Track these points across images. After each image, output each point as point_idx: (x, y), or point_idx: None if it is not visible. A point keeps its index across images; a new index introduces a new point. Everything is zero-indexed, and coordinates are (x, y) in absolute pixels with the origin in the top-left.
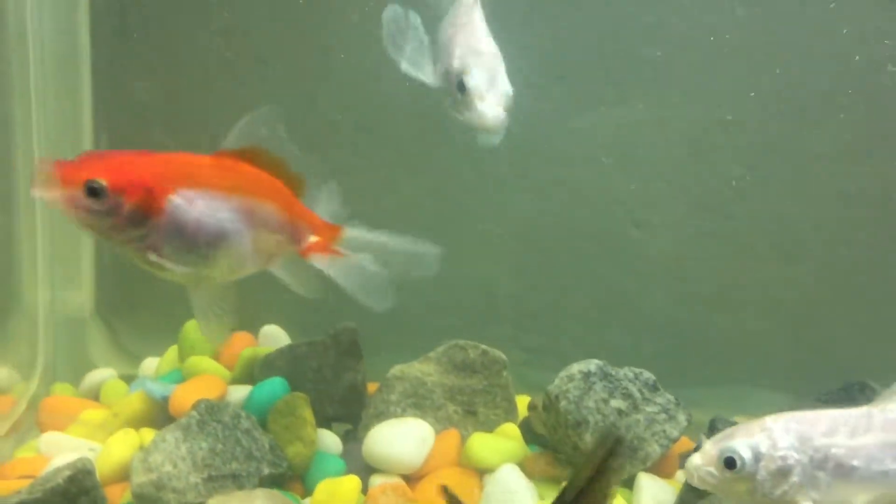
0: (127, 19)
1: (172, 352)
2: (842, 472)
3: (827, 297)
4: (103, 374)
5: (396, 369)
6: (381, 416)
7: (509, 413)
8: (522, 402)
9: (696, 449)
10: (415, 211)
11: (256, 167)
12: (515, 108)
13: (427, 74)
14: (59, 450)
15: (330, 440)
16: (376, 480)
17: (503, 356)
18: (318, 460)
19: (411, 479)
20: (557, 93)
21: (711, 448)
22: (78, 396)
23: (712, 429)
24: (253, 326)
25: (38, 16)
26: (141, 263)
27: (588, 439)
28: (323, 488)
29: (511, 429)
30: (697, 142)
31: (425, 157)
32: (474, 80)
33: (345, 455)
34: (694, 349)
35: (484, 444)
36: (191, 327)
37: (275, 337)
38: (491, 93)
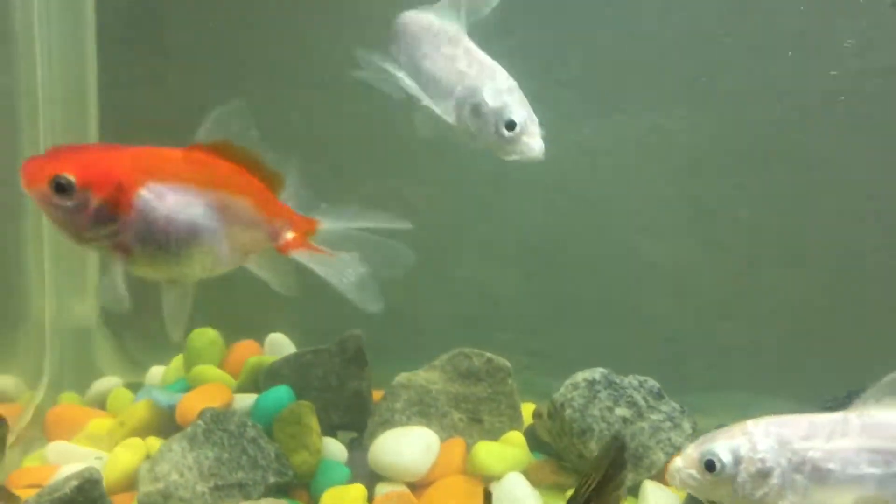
0: (133, 26)
1: (178, 360)
2: (818, 475)
3: (831, 304)
4: (110, 383)
5: (401, 377)
6: (387, 423)
7: (514, 421)
8: (527, 409)
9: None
10: (419, 219)
11: (230, 161)
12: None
13: (445, 111)
14: (66, 459)
15: (335, 448)
16: (382, 488)
17: (508, 364)
18: (324, 468)
19: (417, 486)
20: (561, 101)
21: (693, 451)
22: (84, 405)
23: None
24: (258, 335)
25: (45, 23)
26: (113, 262)
27: (593, 447)
28: (329, 496)
29: (516, 436)
30: (701, 148)
31: (430, 166)
32: (520, 118)
33: (350, 463)
34: (699, 356)
35: (489, 452)
36: (196, 336)
37: (280, 345)
38: (533, 127)
